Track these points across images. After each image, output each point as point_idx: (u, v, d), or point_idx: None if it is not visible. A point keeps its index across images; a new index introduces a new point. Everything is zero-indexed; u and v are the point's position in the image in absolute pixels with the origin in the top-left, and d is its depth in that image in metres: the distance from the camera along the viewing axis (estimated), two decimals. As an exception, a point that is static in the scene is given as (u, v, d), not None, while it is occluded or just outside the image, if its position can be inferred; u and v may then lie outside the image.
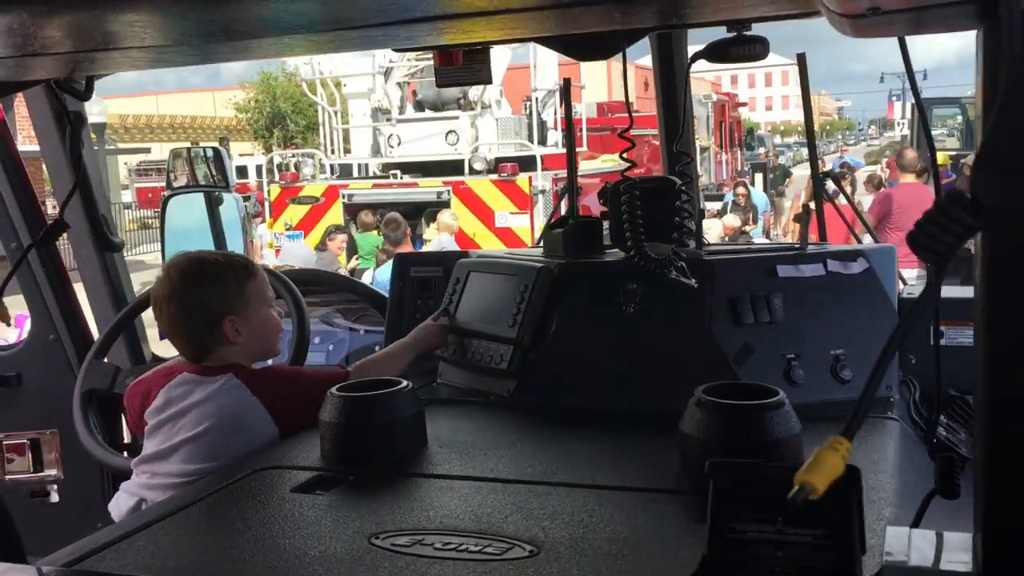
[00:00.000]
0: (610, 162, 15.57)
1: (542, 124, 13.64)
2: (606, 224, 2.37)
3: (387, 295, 2.86)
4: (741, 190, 16.04)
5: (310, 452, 1.91)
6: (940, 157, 18.83)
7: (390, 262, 8.96)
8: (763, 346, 2.06)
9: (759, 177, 20.70)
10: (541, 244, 2.71)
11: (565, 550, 1.39)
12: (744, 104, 36.23)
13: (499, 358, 2.24)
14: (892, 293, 2.18)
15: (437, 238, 10.60)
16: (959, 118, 26.41)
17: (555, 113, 14.01)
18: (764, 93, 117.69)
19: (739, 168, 22.86)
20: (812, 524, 0.83)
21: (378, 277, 8.41)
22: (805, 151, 3.15)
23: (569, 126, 2.70)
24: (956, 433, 2.01)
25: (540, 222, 12.07)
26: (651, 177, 2.22)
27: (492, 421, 2.11)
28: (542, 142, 13.43)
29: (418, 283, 2.71)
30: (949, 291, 3.55)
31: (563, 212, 2.67)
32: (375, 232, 11.07)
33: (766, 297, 2.08)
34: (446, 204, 12.18)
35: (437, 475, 1.76)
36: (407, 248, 8.91)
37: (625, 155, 2.31)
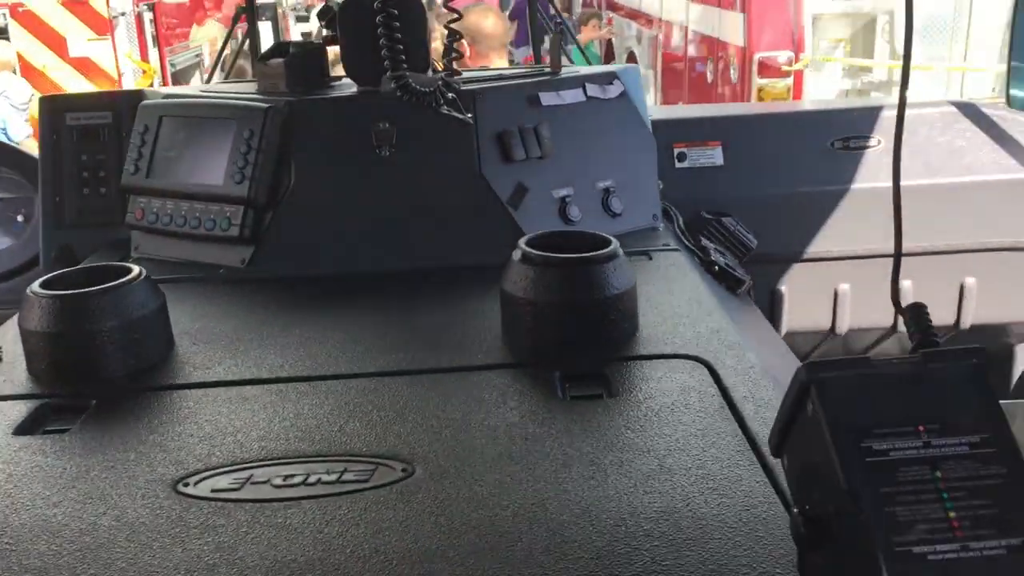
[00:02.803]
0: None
1: (109, -69, 11.83)
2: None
3: (34, 153, 2.25)
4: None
5: (11, 375, 1.43)
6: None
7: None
8: (535, 184, 1.88)
9: None
10: (235, 77, 2.26)
11: (444, 460, 1.15)
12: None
13: (227, 223, 1.84)
14: (645, 114, 2.08)
15: None
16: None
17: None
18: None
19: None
20: (961, 430, 0.66)
21: None
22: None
23: None
24: (724, 256, 2.00)
25: (124, 49, 10.69)
26: None
27: (242, 300, 1.74)
28: (112, -46, 11.70)
29: (80, 133, 2.14)
30: (688, 111, 3.59)
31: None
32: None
33: (535, 129, 1.88)
34: (2, 32, 10.31)
35: (215, 382, 1.39)
36: None
37: None
